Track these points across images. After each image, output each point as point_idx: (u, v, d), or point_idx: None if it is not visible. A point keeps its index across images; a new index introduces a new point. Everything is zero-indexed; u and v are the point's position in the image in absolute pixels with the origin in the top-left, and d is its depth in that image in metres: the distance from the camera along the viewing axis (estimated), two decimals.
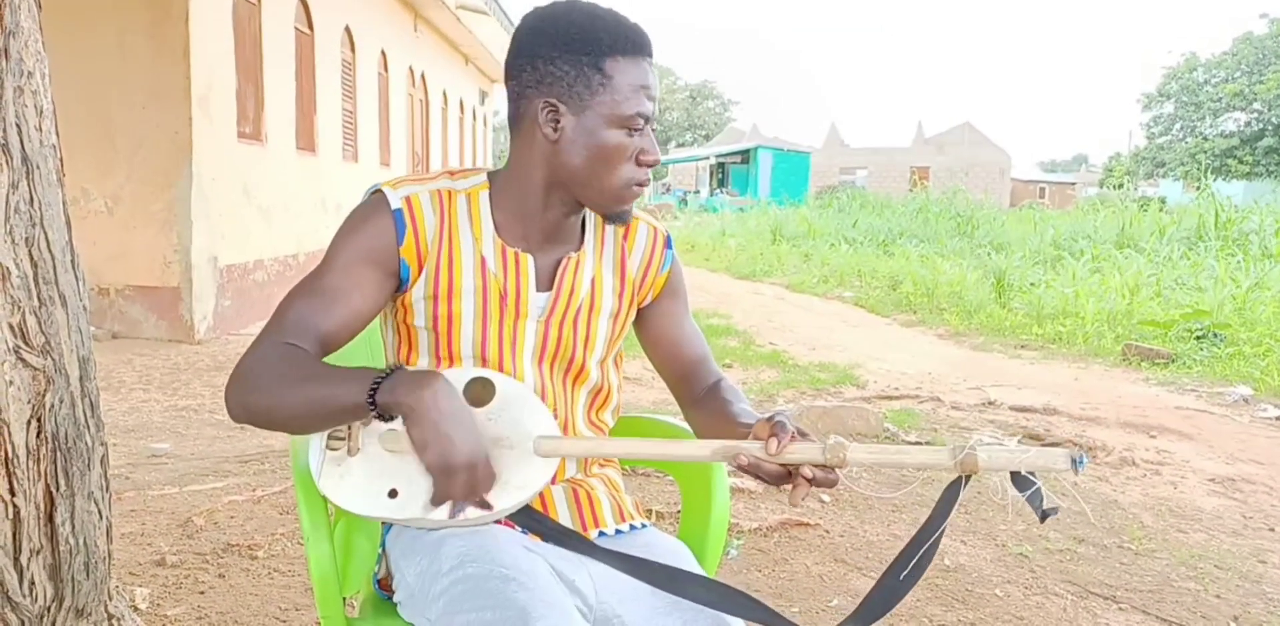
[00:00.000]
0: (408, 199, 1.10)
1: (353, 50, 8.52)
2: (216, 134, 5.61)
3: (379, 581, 1.20)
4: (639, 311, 1.24)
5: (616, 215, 1.12)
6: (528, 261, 1.13)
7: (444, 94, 12.77)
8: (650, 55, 1.08)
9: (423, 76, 11.45)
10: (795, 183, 30.21)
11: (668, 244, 1.23)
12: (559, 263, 1.15)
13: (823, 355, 5.77)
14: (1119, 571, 2.46)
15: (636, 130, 1.07)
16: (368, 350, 1.34)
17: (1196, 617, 2.20)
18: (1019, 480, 0.89)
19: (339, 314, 1.07)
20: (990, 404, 4.43)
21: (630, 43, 1.06)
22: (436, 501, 0.96)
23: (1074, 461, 0.86)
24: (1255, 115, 31.06)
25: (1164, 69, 33.05)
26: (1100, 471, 3.41)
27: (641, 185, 1.10)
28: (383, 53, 9.52)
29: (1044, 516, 0.88)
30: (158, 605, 2.06)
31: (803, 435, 0.97)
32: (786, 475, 0.97)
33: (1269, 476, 3.45)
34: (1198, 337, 5.99)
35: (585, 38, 1.05)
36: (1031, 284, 8.42)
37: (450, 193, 1.12)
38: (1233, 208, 11.97)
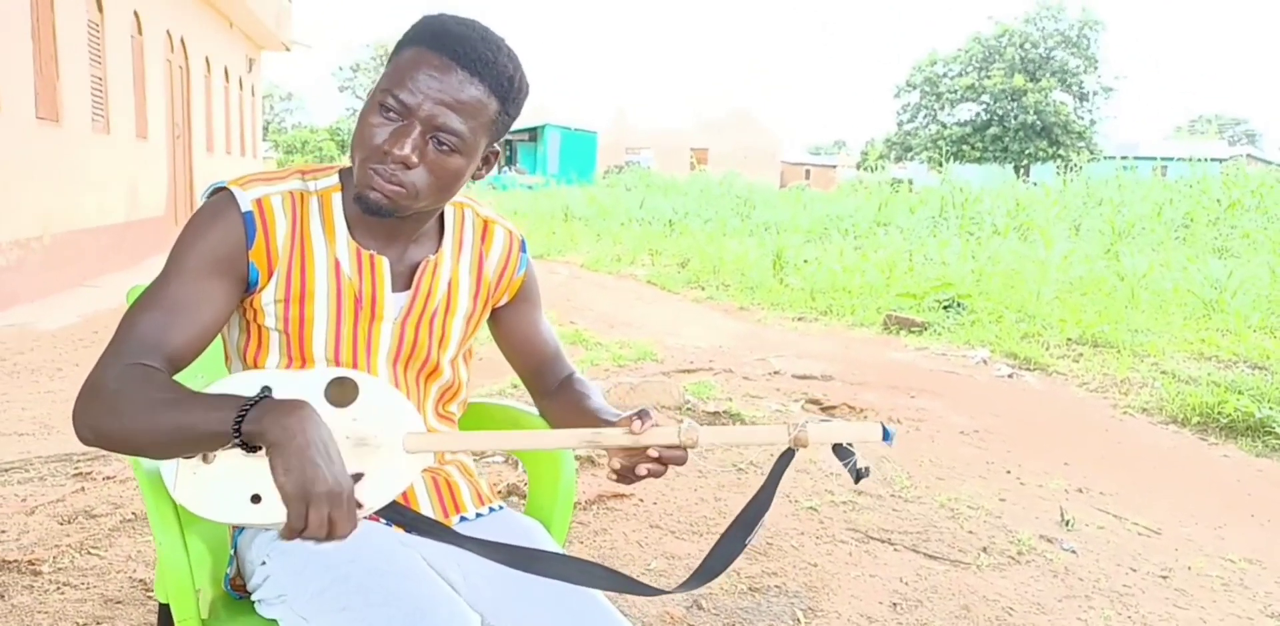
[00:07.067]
0: (259, 201, 1.08)
1: (100, 10, 7.67)
2: None
3: (230, 581, 1.19)
4: (494, 311, 1.27)
5: (359, 197, 1.05)
6: (383, 264, 1.13)
7: (206, 61, 11.77)
8: (466, 68, 1.00)
9: (182, 41, 10.50)
10: (583, 162, 30.54)
11: (523, 248, 1.26)
12: (417, 265, 1.16)
13: (622, 332, 5.97)
14: (893, 517, 2.80)
15: (388, 112, 1.01)
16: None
17: (954, 551, 2.56)
18: (840, 450, 1.03)
19: (188, 329, 1.03)
20: (775, 373, 4.80)
21: (437, 39, 1.01)
22: (287, 535, 0.89)
23: (885, 432, 1.02)
24: (984, 106, 34.98)
25: (913, 62, 36.44)
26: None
27: (378, 168, 1.02)
28: (135, 14, 8.64)
29: (858, 478, 1.03)
30: None
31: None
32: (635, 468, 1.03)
33: (1004, 426, 4.01)
34: (945, 307, 6.77)
35: (411, 31, 1.05)
36: (805, 261, 9.10)
37: (303, 195, 1.11)
38: (970, 191, 13.50)
